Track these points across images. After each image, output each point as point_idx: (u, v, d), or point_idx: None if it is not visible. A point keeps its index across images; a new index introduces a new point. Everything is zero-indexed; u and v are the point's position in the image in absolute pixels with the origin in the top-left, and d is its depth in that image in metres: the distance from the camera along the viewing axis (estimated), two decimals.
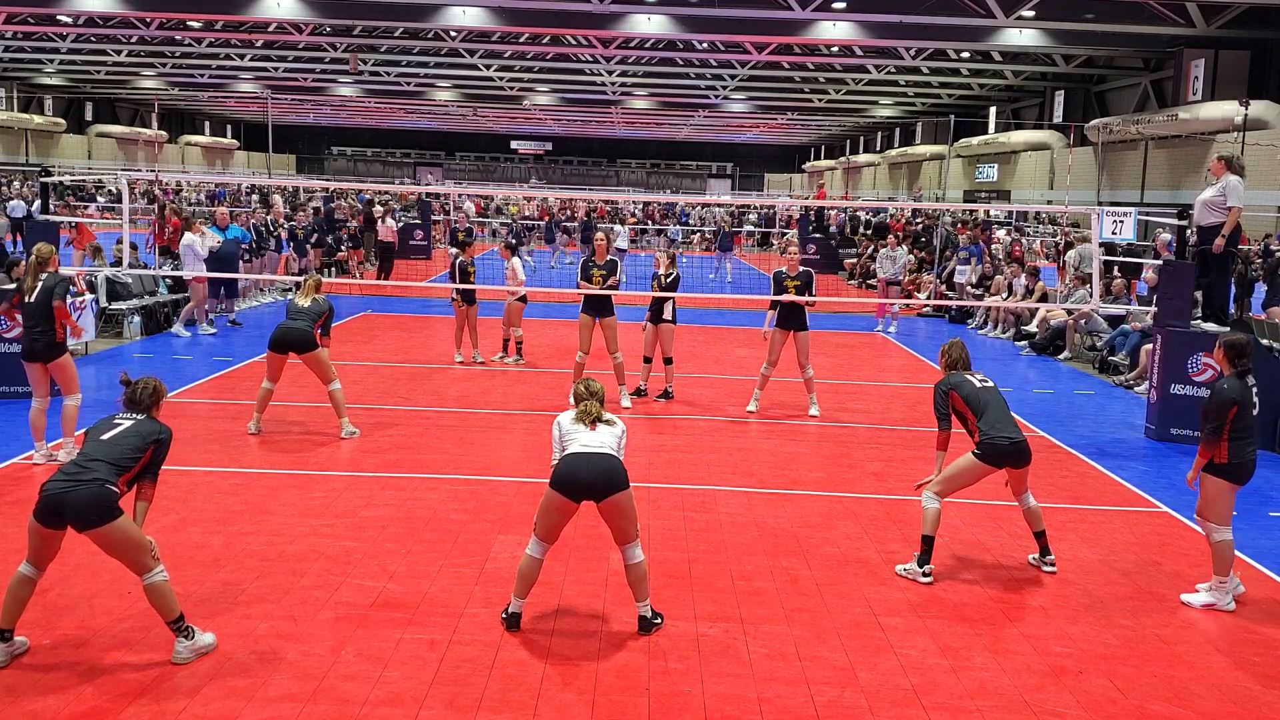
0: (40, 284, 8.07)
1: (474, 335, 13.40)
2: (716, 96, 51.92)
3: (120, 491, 5.02)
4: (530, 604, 5.87)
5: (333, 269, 22.05)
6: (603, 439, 5.54)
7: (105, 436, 5.16)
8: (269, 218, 20.28)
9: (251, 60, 46.89)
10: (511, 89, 52.27)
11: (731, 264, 27.01)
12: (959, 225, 25.45)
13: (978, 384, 6.73)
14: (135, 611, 5.56)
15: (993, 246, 23.62)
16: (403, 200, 37.89)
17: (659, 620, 5.65)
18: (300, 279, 10.69)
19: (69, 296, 8.37)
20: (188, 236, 14.92)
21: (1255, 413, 6.28)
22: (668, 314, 11.26)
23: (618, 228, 28.99)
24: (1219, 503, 6.24)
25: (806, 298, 10.70)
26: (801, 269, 10.82)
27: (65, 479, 4.92)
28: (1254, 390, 6.31)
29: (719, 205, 45.24)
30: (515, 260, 13.91)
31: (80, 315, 12.62)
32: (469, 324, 13.29)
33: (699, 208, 45.51)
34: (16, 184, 39.07)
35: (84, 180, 44.10)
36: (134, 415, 5.32)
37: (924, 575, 6.47)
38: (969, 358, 7.07)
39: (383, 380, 11.94)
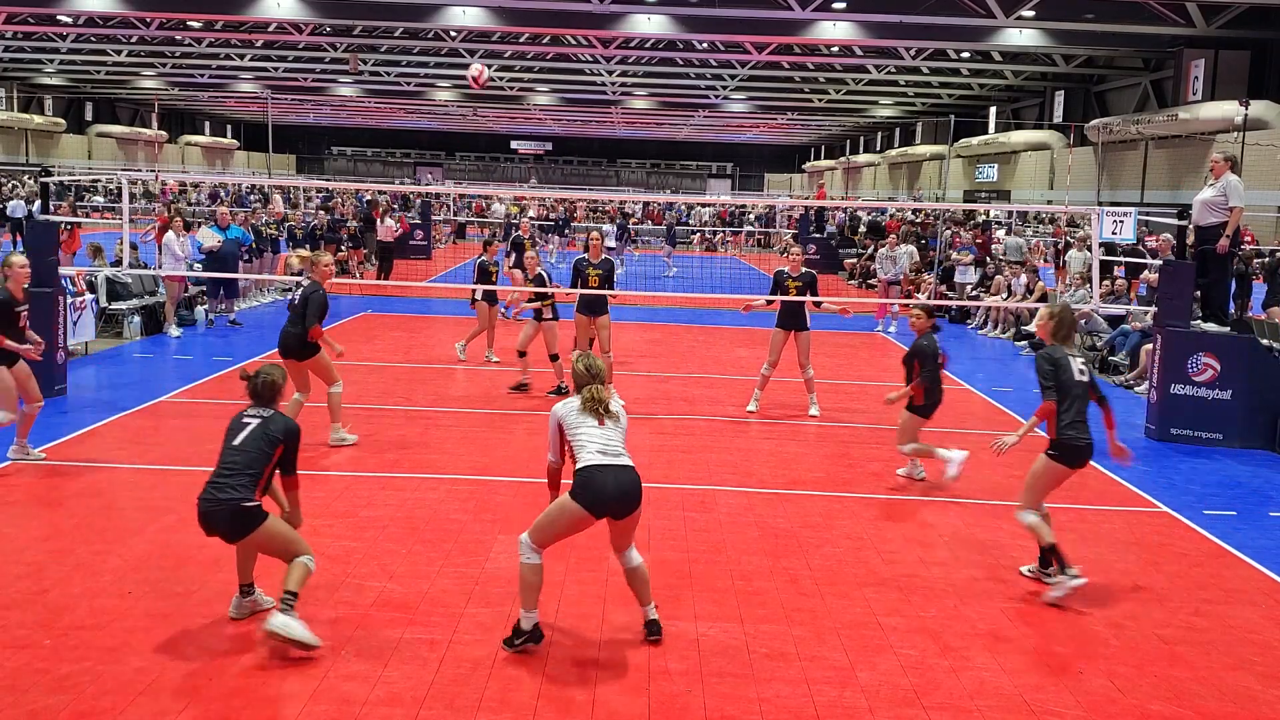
0: None
1: (491, 335, 13.45)
2: (716, 96, 51.91)
3: (258, 499, 5.21)
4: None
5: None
6: (616, 441, 5.32)
7: (237, 441, 5.27)
8: (267, 218, 20.29)
9: (251, 60, 46.88)
10: (511, 89, 52.26)
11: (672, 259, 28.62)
12: (957, 228, 25.46)
13: (1076, 373, 6.27)
14: (135, 611, 5.56)
15: (993, 247, 23.62)
16: (395, 197, 37.79)
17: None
18: (300, 278, 10.68)
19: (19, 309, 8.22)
20: (168, 235, 14.92)
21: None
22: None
23: (607, 226, 28.99)
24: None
25: (811, 297, 10.65)
26: (804, 270, 10.74)
27: (208, 497, 5.17)
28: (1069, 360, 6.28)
29: (703, 204, 45.20)
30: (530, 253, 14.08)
31: (80, 315, 12.64)
32: (490, 324, 13.34)
33: (674, 207, 45.49)
34: (17, 184, 39.04)
35: (81, 180, 44.08)
36: (259, 411, 5.39)
37: (1073, 578, 6.12)
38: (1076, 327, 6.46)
39: (383, 380, 11.94)
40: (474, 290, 13.27)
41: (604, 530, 7.27)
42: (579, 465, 5.23)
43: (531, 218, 31.01)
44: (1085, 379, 6.33)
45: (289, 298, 9.35)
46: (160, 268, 14.83)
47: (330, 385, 9.01)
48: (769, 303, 10.93)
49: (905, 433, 8.51)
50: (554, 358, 11.18)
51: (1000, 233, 25.79)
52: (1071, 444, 6.22)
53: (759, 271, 27.61)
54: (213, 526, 5.19)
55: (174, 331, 14.80)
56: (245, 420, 5.36)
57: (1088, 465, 6.49)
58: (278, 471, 5.37)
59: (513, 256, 16.62)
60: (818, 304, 10.71)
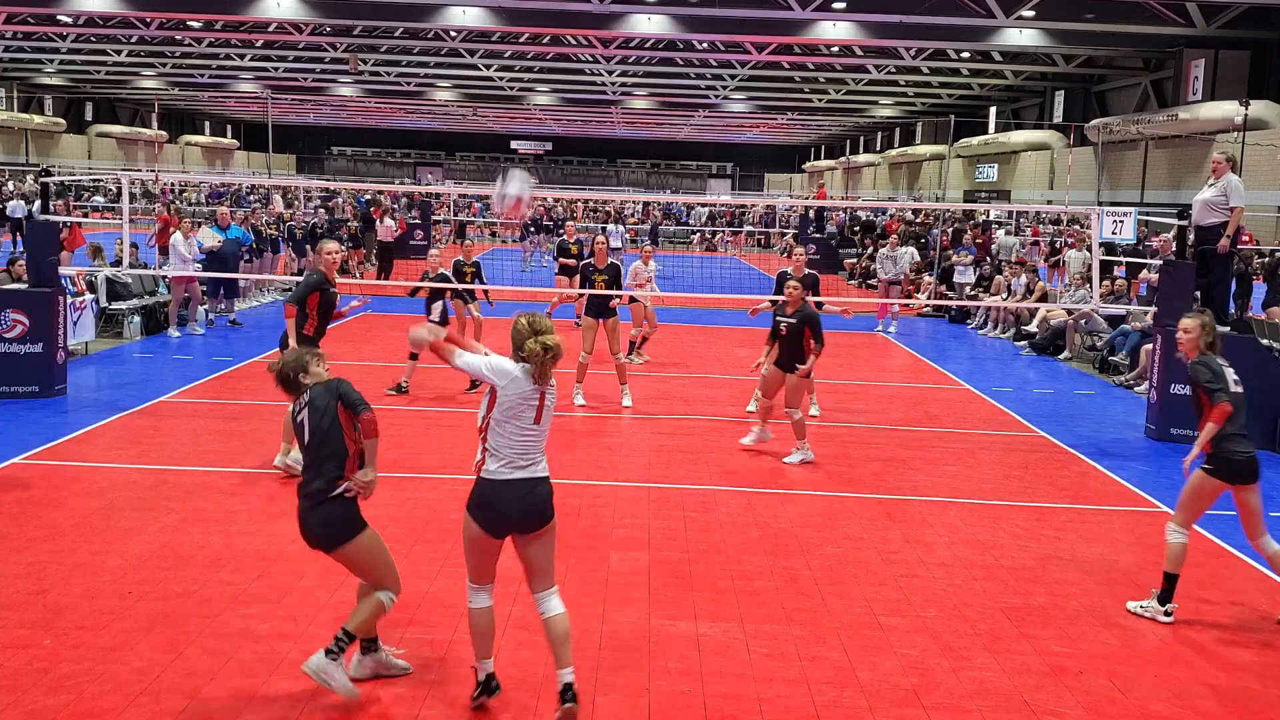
0: None
1: (478, 332, 13.38)
2: (716, 96, 51.90)
3: (344, 487, 4.75)
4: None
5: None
6: (534, 450, 4.62)
7: (308, 440, 4.83)
8: (267, 218, 20.28)
9: (251, 60, 46.87)
10: (511, 89, 52.26)
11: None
12: (973, 229, 25.50)
13: (1232, 384, 5.94)
14: (135, 611, 5.56)
15: (991, 246, 23.64)
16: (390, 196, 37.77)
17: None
18: (300, 279, 10.69)
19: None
20: (175, 236, 14.92)
21: None
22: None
23: (611, 228, 28.95)
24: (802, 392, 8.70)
25: (812, 298, 10.65)
26: (807, 272, 10.70)
27: (305, 491, 4.82)
28: None
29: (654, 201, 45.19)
30: (637, 263, 14.26)
31: (80, 315, 12.64)
32: (473, 324, 13.26)
33: (665, 205, 45.50)
34: (14, 184, 39.04)
35: (82, 180, 44.08)
36: (303, 397, 4.94)
37: (1164, 614, 5.91)
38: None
39: (383, 380, 11.92)
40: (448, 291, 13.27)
41: (604, 530, 7.27)
42: (481, 473, 4.59)
43: (536, 217, 30.91)
44: (1241, 390, 5.97)
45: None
46: (160, 268, 14.86)
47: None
48: (772, 303, 10.92)
49: (796, 394, 9.04)
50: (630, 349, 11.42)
51: (1000, 233, 25.79)
52: (1229, 458, 5.85)
53: (759, 272, 27.60)
54: (308, 533, 4.82)
55: (174, 333, 14.82)
56: (300, 419, 4.91)
57: (1248, 481, 5.92)
58: (355, 416, 4.81)
59: (558, 263, 16.69)
60: (819, 305, 10.71)
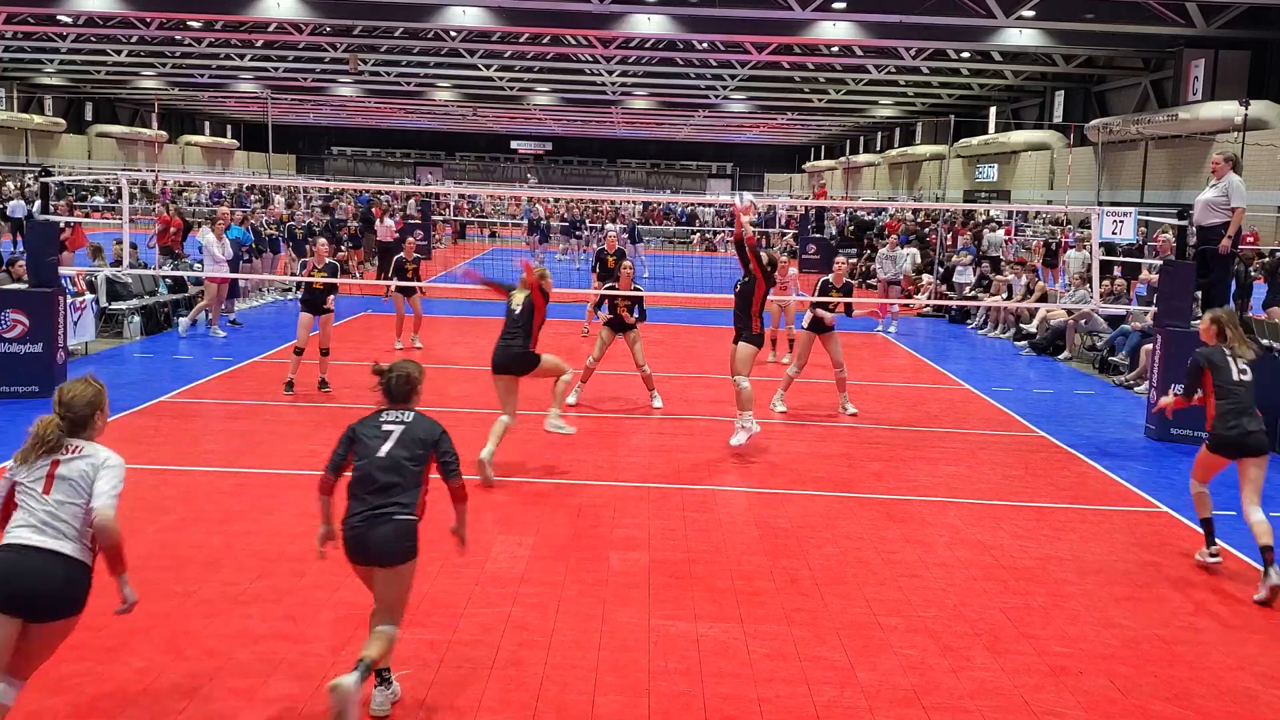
0: None
1: (417, 325, 14.41)
2: (716, 96, 51.90)
3: (419, 516, 4.65)
4: (530, 603, 5.88)
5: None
6: (57, 517, 4.03)
7: (381, 452, 4.60)
8: (267, 218, 20.27)
9: (251, 60, 46.87)
10: (511, 89, 52.26)
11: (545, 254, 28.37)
12: (958, 226, 25.52)
13: (1235, 373, 6.73)
14: (135, 611, 5.54)
15: (980, 243, 23.69)
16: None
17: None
18: (300, 279, 10.78)
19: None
20: (209, 236, 14.89)
21: None
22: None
23: (609, 227, 28.92)
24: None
25: (844, 299, 11.61)
26: (846, 280, 11.82)
27: (364, 513, 4.53)
28: None
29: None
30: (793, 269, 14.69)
31: (80, 315, 12.64)
32: (412, 319, 14.27)
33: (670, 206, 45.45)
34: (13, 184, 39.03)
35: (82, 180, 44.09)
36: (399, 415, 4.75)
37: (1212, 556, 6.86)
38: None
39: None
40: (389, 286, 14.44)
41: (603, 530, 7.29)
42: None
43: (542, 216, 30.90)
44: (1248, 377, 6.75)
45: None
46: (181, 268, 14.97)
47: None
48: (813, 307, 11.48)
49: (746, 363, 9.28)
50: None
51: (996, 233, 25.82)
52: (1216, 434, 6.68)
53: None
54: (368, 550, 4.55)
55: (218, 332, 14.86)
56: (385, 428, 4.68)
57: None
58: (445, 479, 4.75)
59: (597, 269, 15.59)
60: (849, 310, 11.90)
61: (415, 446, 4.66)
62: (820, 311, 11.11)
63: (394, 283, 14.06)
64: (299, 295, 11.81)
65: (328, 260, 11.49)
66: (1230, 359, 6.73)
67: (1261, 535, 6.36)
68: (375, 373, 4.92)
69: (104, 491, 4.04)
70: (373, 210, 26.10)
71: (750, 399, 9.25)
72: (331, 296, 11.46)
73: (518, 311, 8.48)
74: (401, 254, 14.40)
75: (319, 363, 11.33)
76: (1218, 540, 6.93)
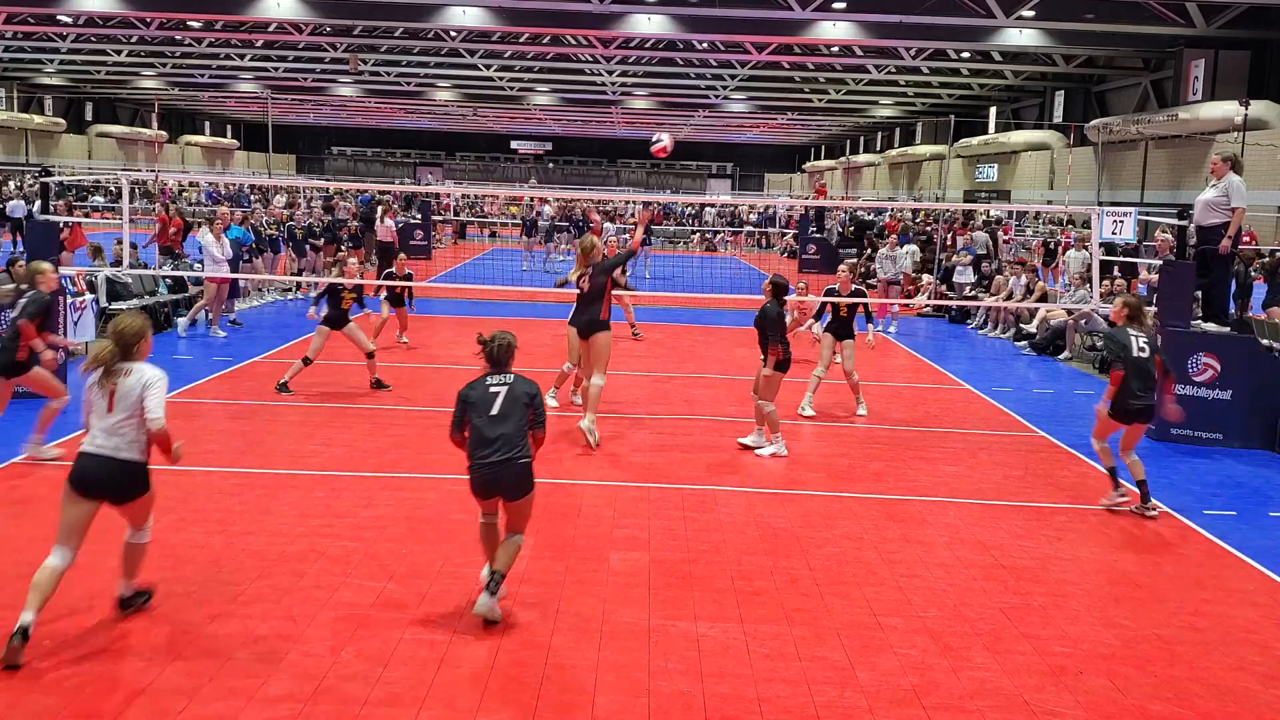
0: (21, 300, 8.09)
1: (403, 326, 14.69)
2: (716, 96, 51.91)
3: (531, 457, 5.69)
4: (530, 603, 5.88)
5: (335, 268, 21.98)
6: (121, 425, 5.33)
7: (495, 411, 5.62)
8: (267, 218, 20.26)
9: (251, 60, 46.88)
10: (511, 89, 52.26)
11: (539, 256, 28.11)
12: (957, 227, 25.48)
13: (1136, 350, 7.80)
14: (135, 613, 5.56)
15: (959, 239, 23.72)
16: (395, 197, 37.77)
17: (142, 601, 5.62)
18: (300, 279, 10.79)
19: (43, 314, 8.22)
20: (208, 236, 14.90)
21: None
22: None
23: (608, 226, 28.91)
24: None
25: (857, 299, 11.74)
26: (854, 288, 11.72)
27: (493, 459, 5.56)
28: None
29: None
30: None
31: (80, 315, 12.63)
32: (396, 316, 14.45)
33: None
34: (13, 184, 39.02)
35: (83, 180, 44.10)
36: (503, 377, 5.75)
37: (1120, 497, 7.96)
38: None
39: (383, 380, 11.92)
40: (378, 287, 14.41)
41: (603, 530, 7.29)
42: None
43: (549, 215, 30.82)
44: (1145, 355, 7.84)
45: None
46: (181, 268, 14.93)
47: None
48: (818, 315, 11.92)
49: (770, 389, 9.26)
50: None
51: (972, 233, 25.82)
52: (1119, 404, 7.76)
53: (759, 272, 27.60)
54: (501, 486, 5.60)
55: (218, 332, 14.87)
56: (492, 390, 5.68)
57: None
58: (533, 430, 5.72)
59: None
60: (869, 312, 11.98)
61: (521, 399, 5.68)
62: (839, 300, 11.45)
63: (384, 283, 14.15)
64: (319, 311, 11.71)
65: (356, 281, 11.74)
66: (1132, 338, 7.83)
67: (1138, 472, 7.89)
68: (479, 342, 5.88)
69: (153, 407, 5.27)
70: (376, 210, 26.07)
71: (776, 422, 9.33)
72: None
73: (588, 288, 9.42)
74: (393, 268, 14.61)
75: (367, 365, 11.45)
76: (1122, 482, 8.02)
